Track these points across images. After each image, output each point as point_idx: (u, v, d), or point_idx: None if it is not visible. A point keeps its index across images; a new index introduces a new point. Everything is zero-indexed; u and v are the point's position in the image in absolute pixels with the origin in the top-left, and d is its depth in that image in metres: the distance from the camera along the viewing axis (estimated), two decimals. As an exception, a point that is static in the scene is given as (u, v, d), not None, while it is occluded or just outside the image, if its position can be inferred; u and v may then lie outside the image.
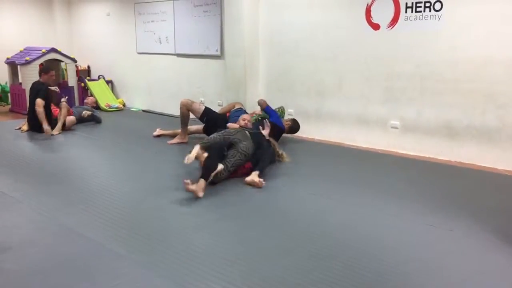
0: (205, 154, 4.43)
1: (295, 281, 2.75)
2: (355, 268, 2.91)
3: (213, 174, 4.33)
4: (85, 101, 8.73)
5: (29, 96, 7.00)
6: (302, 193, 4.35)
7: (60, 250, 3.15)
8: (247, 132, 4.93)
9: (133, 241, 3.29)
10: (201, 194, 4.13)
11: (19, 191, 4.36)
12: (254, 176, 4.52)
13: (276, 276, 2.81)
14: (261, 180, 4.48)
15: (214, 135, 4.77)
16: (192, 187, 4.11)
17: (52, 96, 7.03)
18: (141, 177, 4.87)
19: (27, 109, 7.07)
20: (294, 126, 6.35)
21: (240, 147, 4.65)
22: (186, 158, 4.32)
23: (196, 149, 4.38)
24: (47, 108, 6.77)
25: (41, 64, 8.86)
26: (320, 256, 3.06)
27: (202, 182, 4.20)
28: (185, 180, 4.12)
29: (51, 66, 7.46)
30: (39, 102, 6.64)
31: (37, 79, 7.07)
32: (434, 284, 2.75)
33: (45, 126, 6.58)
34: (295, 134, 6.54)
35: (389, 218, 3.72)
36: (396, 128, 5.95)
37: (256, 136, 4.98)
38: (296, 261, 3.00)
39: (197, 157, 4.37)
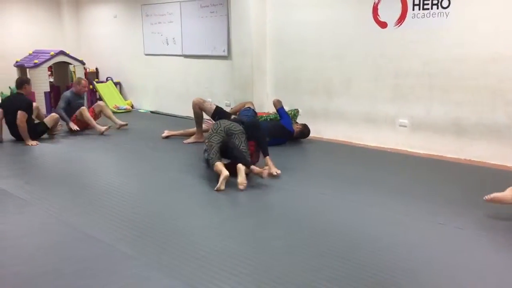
0: (224, 162, 4.63)
1: (305, 281, 2.74)
2: (365, 266, 2.90)
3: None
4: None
5: (10, 111, 6.48)
6: (311, 192, 4.35)
7: (70, 252, 3.18)
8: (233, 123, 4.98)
9: (142, 242, 3.30)
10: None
11: (29, 193, 4.40)
12: (272, 168, 4.79)
13: (286, 275, 2.81)
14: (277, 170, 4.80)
15: (214, 140, 4.76)
16: (239, 180, 4.37)
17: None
18: (149, 178, 4.89)
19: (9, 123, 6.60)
20: (305, 131, 6.34)
21: (236, 131, 4.77)
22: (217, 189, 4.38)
23: (223, 180, 4.39)
24: (28, 120, 6.49)
25: (50, 67, 8.95)
26: (330, 255, 3.06)
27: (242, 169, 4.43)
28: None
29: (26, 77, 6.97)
30: (22, 116, 6.38)
31: (18, 93, 6.67)
32: (443, 282, 2.73)
33: (29, 142, 6.42)
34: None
35: (398, 217, 3.71)
36: (405, 126, 5.92)
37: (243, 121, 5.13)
38: (306, 260, 3.00)
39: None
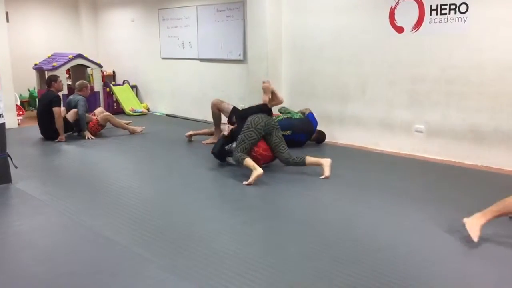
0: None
1: (321, 286, 2.74)
2: (381, 274, 2.88)
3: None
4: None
5: (40, 108, 6.96)
6: (326, 198, 4.34)
7: (86, 253, 3.21)
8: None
9: (158, 245, 3.32)
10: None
11: (47, 194, 4.46)
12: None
13: (300, 281, 2.80)
14: None
15: (249, 136, 4.86)
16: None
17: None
18: (165, 181, 4.93)
19: (38, 120, 7.00)
20: (320, 135, 6.51)
21: (275, 126, 5.00)
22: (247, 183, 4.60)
23: (256, 174, 4.56)
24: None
25: (68, 70, 9.06)
26: (345, 262, 3.04)
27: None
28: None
29: (56, 74, 7.39)
30: (58, 110, 6.69)
31: (47, 89, 7.02)
32: (461, 291, 2.71)
33: (62, 136, 6.79)
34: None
35: (415, 224, 3.68)
36: (421, 132, 5.87)
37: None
38: (320, 266, 2.99)
39: None
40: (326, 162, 4.84)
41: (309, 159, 4.92)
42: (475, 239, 3.26)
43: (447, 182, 4.77)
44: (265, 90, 5.11)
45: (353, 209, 4.03)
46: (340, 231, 3.56)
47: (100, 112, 7.54)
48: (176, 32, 9.03)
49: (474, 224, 3.31)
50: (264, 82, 5.20)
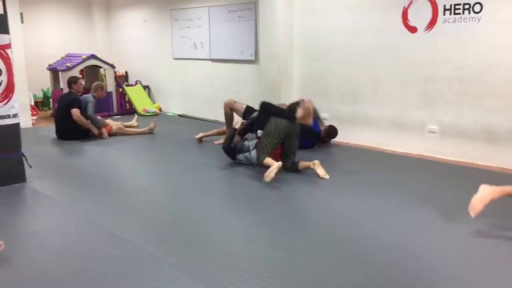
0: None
1: (330, 286, 2.73)
2: (390, 273, 2.87)
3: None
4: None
5: (58, 109, 7.08)
6: (338, 198, 4.33)
7: (99, 252, 3.24)
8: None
9: (169, 244, 3.34)
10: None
11: (61, 194, 4.51)
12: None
13: (311, 281, 2.80)
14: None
15: (272, 142, 4.93)
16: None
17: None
18: (177, 180, 4.95)
19: (55, 120, 7.11)
20: (331, 131, 6.45)
21: (294, 132, 5.06)
22: (266, 177, 4.57)
23: (275, 168, 4.58)
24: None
25: (81, 70, 9.15)
26: (356, 261, 3.03)
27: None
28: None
29: (76, 75, 7.56)
30: (76, 112, 6.74)
31: (68, 91, 7.16)
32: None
33: (95, 131, 6.87)
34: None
35: (428, 225, 3.65)
36: (434, 132, 5.82)
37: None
38: (331, 265, 2.99)
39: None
40: (315, 164, 4.89)
41: (302, 164, 5.02)
42: (472, 214, 3.29)
43: (460, 183, 4.72)
44: (306, 111, 5.15)
45: (363, 209, 4.02)
46: (350, 231, 3.55)
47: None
48: (188, 33, 9.07)
49: (485, 196, 3.32)
50: (307, 101, 5.35)
